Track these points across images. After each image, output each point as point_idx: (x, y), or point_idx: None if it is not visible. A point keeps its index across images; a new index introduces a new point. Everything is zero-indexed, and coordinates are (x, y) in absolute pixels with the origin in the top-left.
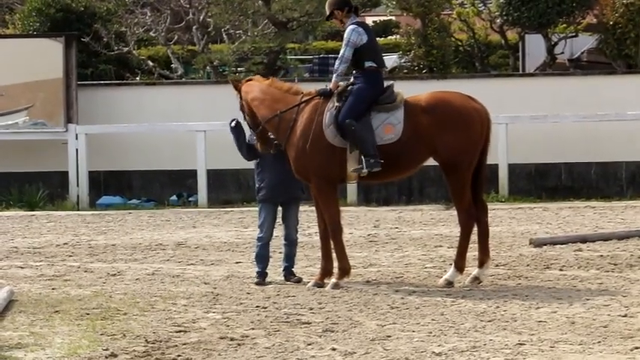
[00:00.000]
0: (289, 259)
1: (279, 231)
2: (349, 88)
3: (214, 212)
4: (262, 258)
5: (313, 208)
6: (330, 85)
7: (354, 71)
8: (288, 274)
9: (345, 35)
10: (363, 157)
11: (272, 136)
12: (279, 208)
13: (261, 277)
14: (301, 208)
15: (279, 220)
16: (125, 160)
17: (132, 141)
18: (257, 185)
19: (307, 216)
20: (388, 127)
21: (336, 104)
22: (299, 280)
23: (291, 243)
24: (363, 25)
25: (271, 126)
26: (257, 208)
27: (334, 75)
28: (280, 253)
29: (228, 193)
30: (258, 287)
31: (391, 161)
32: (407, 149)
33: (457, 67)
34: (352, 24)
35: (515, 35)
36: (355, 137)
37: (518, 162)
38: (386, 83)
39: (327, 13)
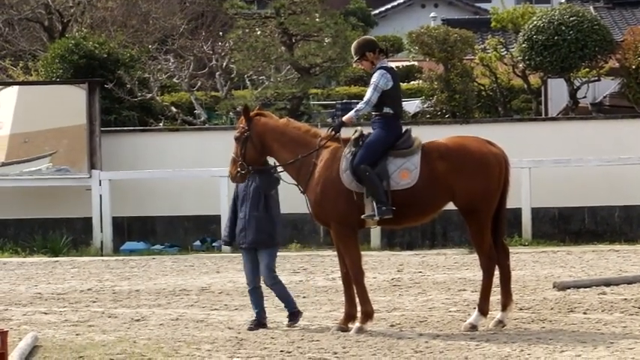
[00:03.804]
0: (282, 302)
1: (301, 276)
2: (365, 134)
3: (238, 257)
4: (253, 303)
5: (336, 252)
6: (344, 118)
7: (372, 114)
8: (288, 317)
9: (374, 78)
10: (374, 203)
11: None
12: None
13: (257, 322)
14: (324, 252)
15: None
16: (149, 206)
17: (155, 187)
18: None
19: (330, 260)
20: (404, 172)
21: (352, 149)
22: (290, 325)
23: (271, 288)
24: (391, 71)
25: (292, 170)
26: (280, 253)
27: (354, 111)
28: (305, 297)
29: None
30: (282, 332)
31: (409, 206)
32: (424, 194)
33: (480, 112)
34: (381, 68)
35: (538, 80)
36: (368, 183)
37: (542, 206)
38: (403, 128)
39: (357, 55)
